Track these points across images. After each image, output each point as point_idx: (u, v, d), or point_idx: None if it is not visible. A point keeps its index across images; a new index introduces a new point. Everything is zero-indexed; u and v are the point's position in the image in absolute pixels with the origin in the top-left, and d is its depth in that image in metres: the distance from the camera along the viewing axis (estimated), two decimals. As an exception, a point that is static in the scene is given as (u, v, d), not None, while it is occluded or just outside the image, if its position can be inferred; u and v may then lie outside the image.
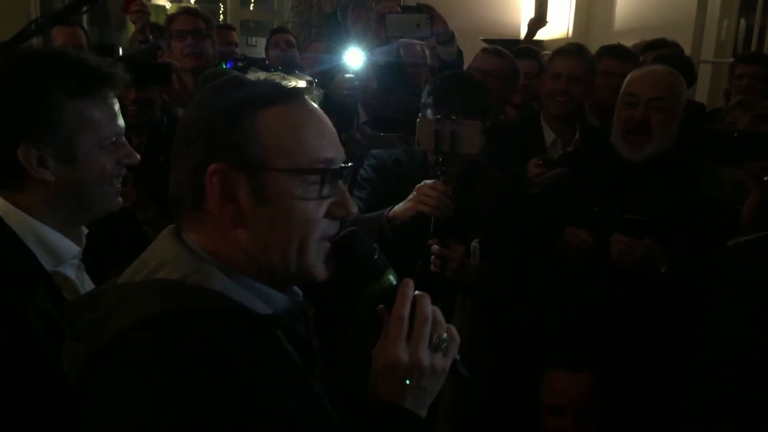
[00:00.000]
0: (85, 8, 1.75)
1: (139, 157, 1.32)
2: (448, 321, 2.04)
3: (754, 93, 3.27)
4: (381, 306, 1.00)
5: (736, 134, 1.91)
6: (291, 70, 2.61)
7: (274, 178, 0.90)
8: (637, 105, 2.22)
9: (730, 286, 1.83)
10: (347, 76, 2.55)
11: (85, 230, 1.32)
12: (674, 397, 2.04)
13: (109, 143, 1.26)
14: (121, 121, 1.29)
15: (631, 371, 2.10)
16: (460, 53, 3.30)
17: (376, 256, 0.97)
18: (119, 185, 1.32)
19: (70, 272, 1.27)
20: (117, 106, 1.28)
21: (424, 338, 0.97)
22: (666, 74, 2.30)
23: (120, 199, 1.33)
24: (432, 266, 1.94)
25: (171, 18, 3.07)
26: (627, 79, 2.33)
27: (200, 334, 0.84)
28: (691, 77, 3.24)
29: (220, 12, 6.83)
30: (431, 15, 2.99)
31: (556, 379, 2.06)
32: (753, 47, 5.22)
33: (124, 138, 1.30)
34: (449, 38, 3.11)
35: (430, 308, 0.99)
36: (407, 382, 0.96)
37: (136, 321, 0.84)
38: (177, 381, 0.78)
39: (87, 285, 1.31)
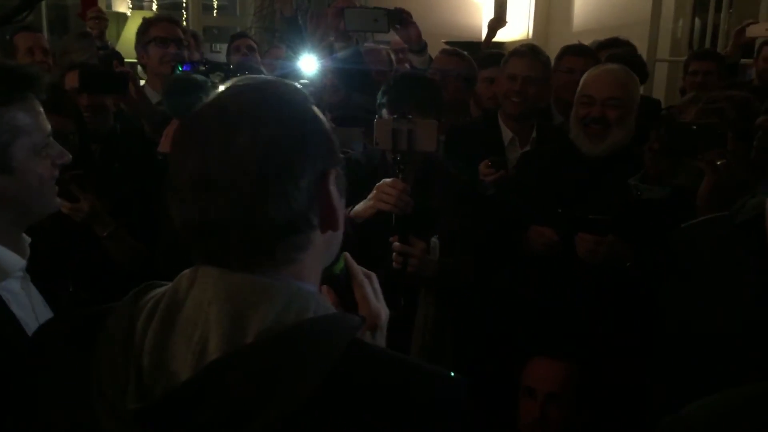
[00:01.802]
0: (24, 14, 1.73)
1: (71, 156, 1.31)
2: (412, 316, 2.08)
3: (708, 89, 3.37)
4: (324, 285, 1.01)
5: (695, 127, 2.01)
6: (254, 74, 2.62)
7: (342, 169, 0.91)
8: (593, 105, 2.31)
9: (682, 265, 1.90)
10: (302, 82, 2.57)
11: (28, 239, 1.30)
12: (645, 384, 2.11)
13: (42, 147, 1.25)
14: (47, 123, 1.27)
15: (607, 361, 2.16)
16: (430, 60, 3.34)
17: None
18: (56, 186, 1.31)
19: (15, 286, 1.25)
20: (41, 108, 1.26)
21: (378, 292, 1.02)
22: (620, 73, 2.38)
23: (58, 200, 1.32)
24: (393, 263, 1.97)
25: (150, 23, 3.01)
26: (583, 79, 2.40)
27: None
28: (643, 75, 3.33)
29: (183, 18, 6.79)
30: (403, 19, 3.01)
31: (536, 366, 2.14)
32: (707, 45, 5.37)
33: (53, 138, 1.29)
34: (422, 47, 3.15)
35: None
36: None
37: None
38: None
39: (34, 296, 1.29)
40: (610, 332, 2.19)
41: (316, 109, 0.88)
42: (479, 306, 2.28)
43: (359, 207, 2.02)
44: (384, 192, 1.96)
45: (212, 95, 0.86)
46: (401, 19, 2.99)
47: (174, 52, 2.86)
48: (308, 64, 2.60)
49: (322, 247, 0.88)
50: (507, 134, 2.78)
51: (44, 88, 1.25)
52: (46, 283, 1.38)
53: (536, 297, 2.31)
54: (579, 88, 2.39)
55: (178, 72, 2.33)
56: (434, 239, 2.06)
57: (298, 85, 0.90)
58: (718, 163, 1.93)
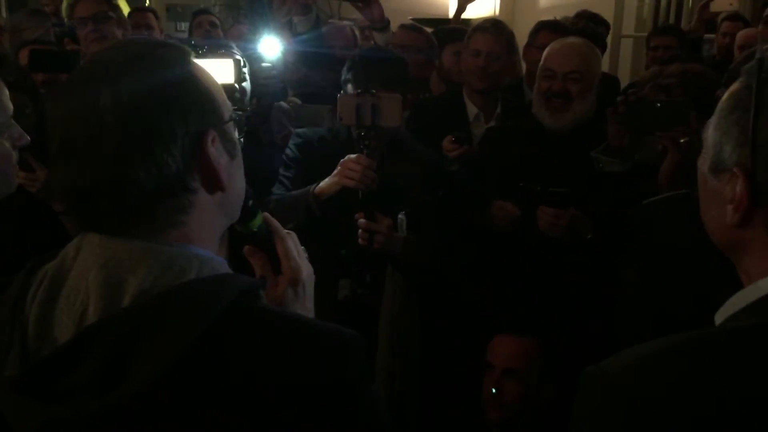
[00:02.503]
0: None
1: (29, 138, 1.31)
2: (380, 293, 2.09)
3: (669, 64, 3.41)
4: (247, 246, 1.02)
5: (659, 105, 2.03)
6: (218, 49, 2.58)
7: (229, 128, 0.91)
8: (554, 78, 2.32)
9: (641, 241, 1.93)
10: (264, 65, 2.54)
11: None
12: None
13: (4, 128, 1.25)
14: (10, 104, 1.27)
15: (570, 337, 2.19)
16: None
17: (250, 202, 0.99)
18: (16, 166, 1.31)
19: None
20: (6, 89, 1.26)
21: (300, 250, 1.03)
22: (581, 46, 2.39)
23: (16, 181, 1.31)
24: (360, 239, 1.97)
25: (72, 5, 2.96)
26: (545, 53, 2.41)
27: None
28: (603, 48, 3.36)
29: (145, -4, 6.63)
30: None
31: (496, 342, 2.16)
32: (671, 21, 5.42)
33: (13, 119, 1.29)
34: (385, 25, 3.13)
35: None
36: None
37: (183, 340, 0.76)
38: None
39: None
40: (572, 308, 2.23)
41: (195, 70, 0.88)
42: (445, 282, 2.30)
43: (324, 183, 2.01)
44: (348, 168, 1.95)
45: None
46: None
47: (92, 29, 2.80)
48: (270, 47, 2.56)
49: (214, 210, 0.89)
50: (472, 110, 2.78)
51: (10, 69, 1.25)
52: (5, 263, 1.36)
53: (498, 272, 2.34)
54: (541, 62, 2.40)
55: None
56: (401, 215, 2.06)
57: (176, 44, 0.89)
58: (682, 141, 1.94)
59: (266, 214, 1.02)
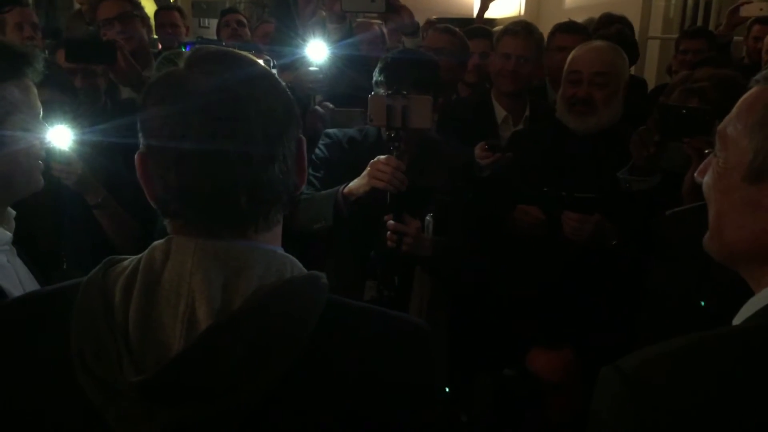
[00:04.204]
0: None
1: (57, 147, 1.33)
2: (407, 296, 2.08)
3: (699, 66, 3.36)
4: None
5: (684, 111, 1.99)
6: (247, 50, 2.58)
7: None
8: (580, 81, 2.30)
9: (665, 252, 1.90)
10: (311, 69, 2.54)
11: (13, 213, 1.32)
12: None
13: (32, 126, 1.27)
14: (39, 103, 1.30)
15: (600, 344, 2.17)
16: None
17: None
18: (42, 165, 1.33)
19: (2, 259, 1.27)
20: (35, 89, 1.29)
21: None
22: (608, 50, 2.37)
23: (42, 179, 1.34)
24: (388, 241, 1.97)
25: (94, 7, 2.97)
26: (570, 56, 2.39)
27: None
28: (633, 55, 3.33)
29: (171, -7, 6.67)
30: (397, 6, 2.98)
31: (535, 357, 2.13)
32: (699, 22, 5.36)
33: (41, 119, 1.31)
34: (415, 29, 3.13)
35: None
36: None
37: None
38: None
39: (20, 270, 1.31)
40: (601, 316, 2.20)
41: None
42: (474, 286, 2.28)
43: (353, 184, 2.01)
44: (378, 169, 1.95)
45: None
46: (390, 7, 2.95)
47: (119, 30, 2.81)
48: (317, 51, 2.56)
49: None
50: (500, 112, 2.77)
51: (40, 69, 1.27)
52: (39, 259, 1.38)
53: (523, 280, 2.32)
54: (566, 64, 2.38)
55: (178, 50, 2.31)
56: (428, 217, 2.06)
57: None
58: (706, 151, 1.91)
59: None
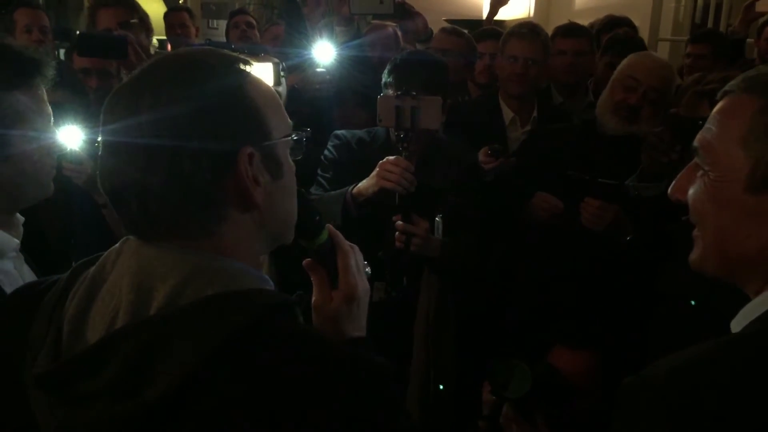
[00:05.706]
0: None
1: (68, 148, 1.32)
2: (416, 295, 2.07)
3: (701, 72, 3.34)
4: (307, 259, 1.02)
5: (700, 122, 1.99)
6: (257, 51, 2.60)
7: (279, 147, 0.89)
8: (634, 89, 2.32)
9: (680, 257, 1.89)
10: (318, 70, 2.54)
11: (21, 219, 1.31)
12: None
13: (41, 133, 1.26)
14: (49, 110, 1.28)
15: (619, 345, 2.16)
16: None
17: (317, 218, 1.00)
18: (54, 171, 1.32)
19: (9, 266, 1.26)
20: (45, 95, 1.27)
21: (361, 266, 1.03)
22: (667, 67, 2.44)
23: (52, 186, 1.33)
24: (396, 242, 1.97)
25: (92, 13, 2.94)
26: (628, 61, 2.41)
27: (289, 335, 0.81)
28: None
29: (181, -6, 6.70)
30: (410, 11, 2.99)
31: (555, 357, 2.09)
32: (710, 24, 5.32)
33: (52, 125, 1.30)
34: (428, 36, 3.14)
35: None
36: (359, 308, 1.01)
37: (209, 349, 0.75)
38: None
39: (27, 277, 1.30)
40: (617, 317, 2.19)
41: (247, 84, 0.86)
42: (482, 285, 2.28)
43: (362, 184, 2.02)
44: (386, 170, 1.95)
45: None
46: (405, 12, 2.96)
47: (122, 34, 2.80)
48: (324, 52, 2.56)
49: (251, 227, 0.87)
50: (508, 113, 2.77)
51: (50, 76, 1.26)
52: (49, 258, 1.38)
53: (535, 272, 2.32)
54: (622, 69, 2.39)
55: None
56: (438, 218, 2.06)
57: (230, 56, 0.88)
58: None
59: (331, 227, 1.02)
